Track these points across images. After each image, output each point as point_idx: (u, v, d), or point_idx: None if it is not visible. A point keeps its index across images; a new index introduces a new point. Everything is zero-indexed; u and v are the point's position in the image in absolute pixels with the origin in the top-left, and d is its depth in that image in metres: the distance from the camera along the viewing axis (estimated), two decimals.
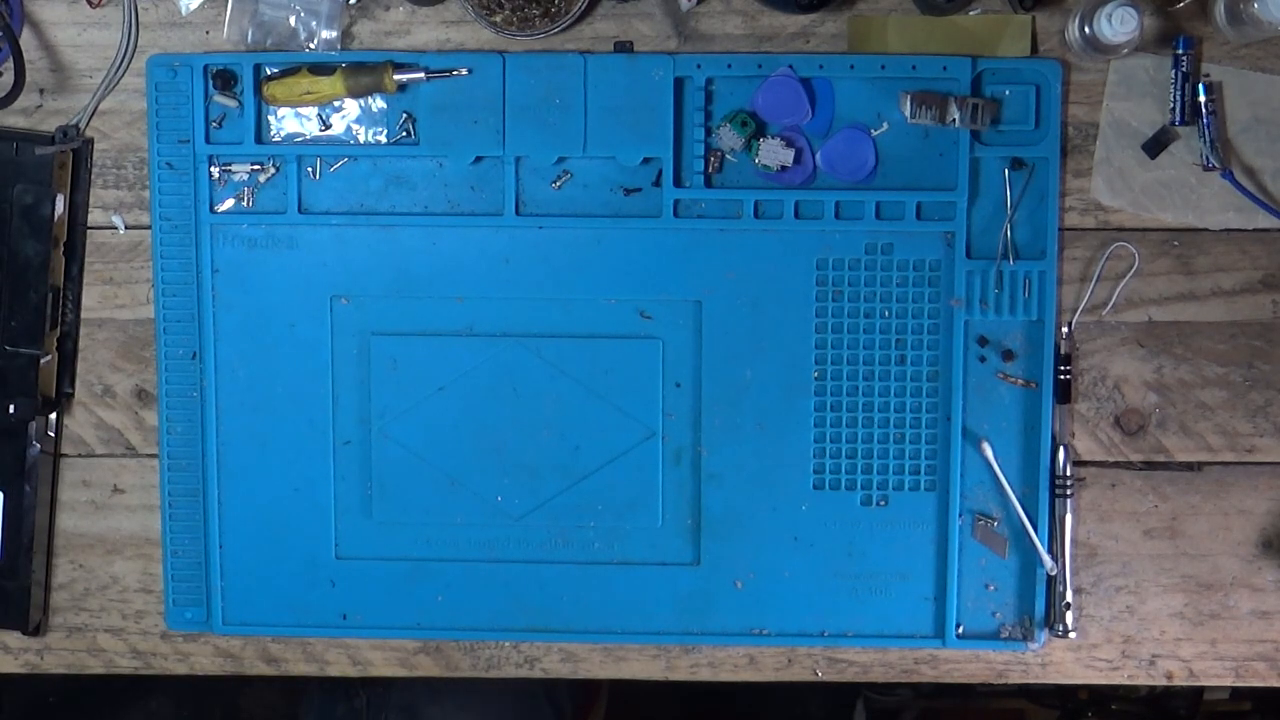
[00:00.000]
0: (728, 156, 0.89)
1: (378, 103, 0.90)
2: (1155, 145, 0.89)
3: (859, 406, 0.90)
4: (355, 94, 0.88)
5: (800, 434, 0.90)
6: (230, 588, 0.92)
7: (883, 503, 0.91)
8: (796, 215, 0.89)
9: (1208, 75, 0.88)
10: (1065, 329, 0.90)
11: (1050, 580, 0.91)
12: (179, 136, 0.90)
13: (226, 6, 0.88)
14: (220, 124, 0.90)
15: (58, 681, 0.99)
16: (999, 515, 0.91)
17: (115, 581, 0.94)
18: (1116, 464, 0.92)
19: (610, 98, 0.88)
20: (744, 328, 0.90)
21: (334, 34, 0.88)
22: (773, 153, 0.88)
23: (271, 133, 0.90)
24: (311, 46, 0.89)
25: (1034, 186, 0.89)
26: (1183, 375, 0.91)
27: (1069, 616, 0.91)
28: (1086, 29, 0.85)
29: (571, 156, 0.89)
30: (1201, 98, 0.87)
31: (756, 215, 0.90)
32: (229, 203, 0.91)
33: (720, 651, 0.94)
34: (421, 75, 0.88)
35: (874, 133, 0.89)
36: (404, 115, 0.90)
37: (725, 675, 0.94)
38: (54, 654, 0.95)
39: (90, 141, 0.91)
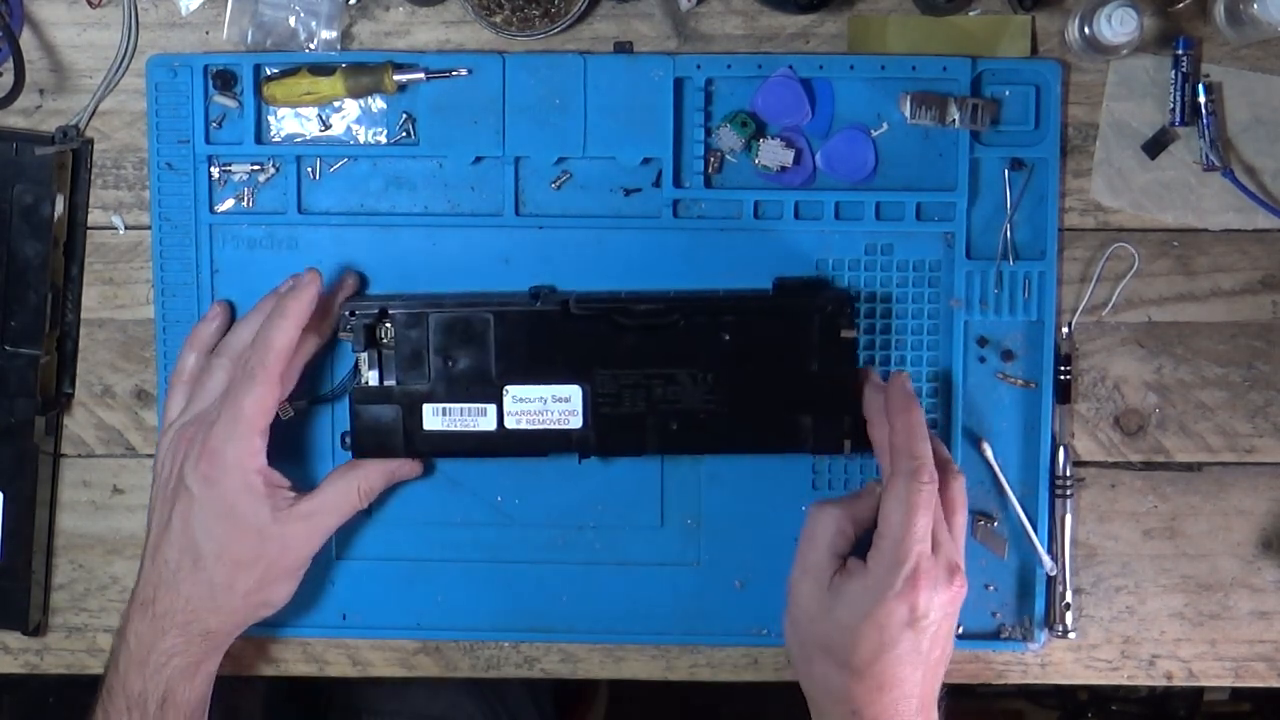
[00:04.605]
0: (728, 157, 0.89)
1: (378, 103, 0.90)
2: (1155, 145, 0.89)
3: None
4: (355, 94, 0.88)
5: None
6: None
7: None
8: (796, 215, 0.89)
9: (1208, 75, 0.88)
10: (1065, 329, 0.91)
11: (1050, 580, 0.91)
12: (179, 137, 0.90)
13: (226, 7, 0.89)
14: (220, 124, 0.90)
15: (58, 682, 0.99)
16: (999, 515, 0.91)
17: (115, 581, 0.94)
18: (1116, 464, 0.92)
19: (610, 98, 0.88)
20: None
21: (334, 34, 0.88)
22: (772, 153, 0.88)
23: (271, 133, 0.90)
24: (311, 47, 0.89)
25: (1034, 187, 0.89)
26: (1183, 375, 0.91)
27: (1069, 617, 0.91)
28: (1086, 29, 0.85)
29: (571, 157, 0.89)
30: (1201, 98, 0.87)
31: (756, 215, 0.90)
32: (229, 203, 0.91)
33: (720, 652, 0.94)
34: (421, 75, 0.88)
35: (874, 133, 0.89)
36: (404, 115, 0.90)
37: (725, 675, 0.94)
38: (54, 654, 0.95)
39: (90, 142, 0.91)
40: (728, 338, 0.85)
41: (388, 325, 0.86)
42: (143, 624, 0.84)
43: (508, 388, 0.86)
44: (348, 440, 0.87)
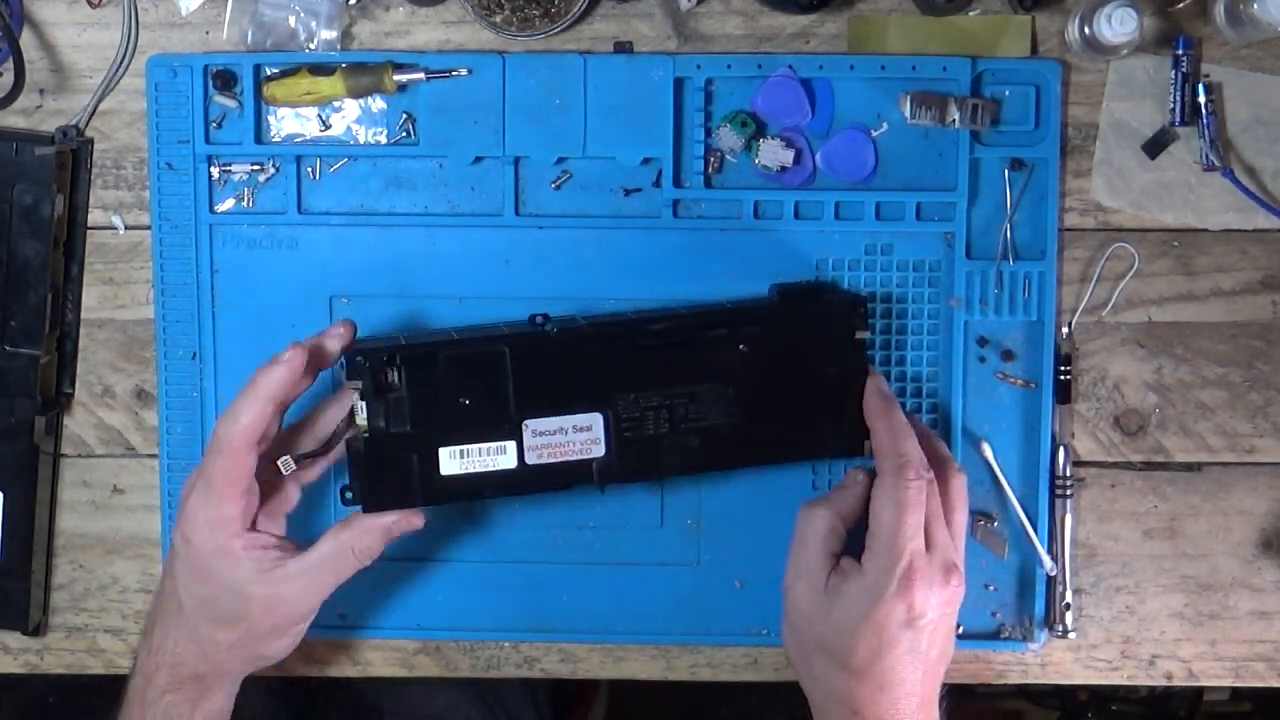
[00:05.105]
0: (728, 157, 0.89)
1: (377, 103, 0.90)
2: (1155, 145, 0.89)
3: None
4: (355, 94, 0.88)
5: None
6: None
7: None
8: (796, 215, 0.89)
9: (1208, 75, 0.88)
10: (1065, 329, 0.91)
11: (1050, 580, 0.91)
12: (179, 137, 0.90)
13: (226, 7, 0.89)
14: (220, 124, 0.90)
15: (57, 681, 0.99)
16: (999, 515, 0.91)
17: (115, 581, 0.94)
18: (1116, 464, 0.92)
19: (610, 98, 0.88)
20: None
21: (334, 34, 0.88)
22: (772, 153, 0.88)
23: (271, 133, 0.90)
24: (311, 47, 0.89)
25: (1034, 187, 0.89)
26: (1183, 376, 0.91)
27: (1069, 617, 0.91)
28: (1086, 29, 0.85)
29: (571, 156, 0.89)
30: (1201, 98, 0.87)
31: (756, 215, 0.90)
32: (229, 203, 0.91)
33: (720, 652, 0.94)
34: (421, 75, 0.88)
35: (874, 133, 0.89)
36: (404, 115, 0.90)
37: (725, 675, 0.94)
38: (54, 654, 0.95)
39: (90, 142, 0.91)
40: (744, 349, 0.84)
41: (396, 369, 0.81)
42: (144, 655, 0.84)
43: (526, 422, 0.83)
44: (347, 495, 0.82)
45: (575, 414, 0.83)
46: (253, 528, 0.83)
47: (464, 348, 0.83)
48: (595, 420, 0.83)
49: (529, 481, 0.83)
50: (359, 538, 0.83)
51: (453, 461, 0.82)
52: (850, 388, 0.85)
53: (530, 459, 0.83)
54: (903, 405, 0.87)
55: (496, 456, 0.83)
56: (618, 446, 0.83)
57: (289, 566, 0.82)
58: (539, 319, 0.85)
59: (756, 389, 0.84)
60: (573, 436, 0.83)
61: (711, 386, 0.84)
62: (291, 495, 0.86)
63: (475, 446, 0.82)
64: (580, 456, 0.83)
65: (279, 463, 0.82)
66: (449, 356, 0.82)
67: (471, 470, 0.82)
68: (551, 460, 0.83)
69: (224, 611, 0.82)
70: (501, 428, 0.82)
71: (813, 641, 0.82)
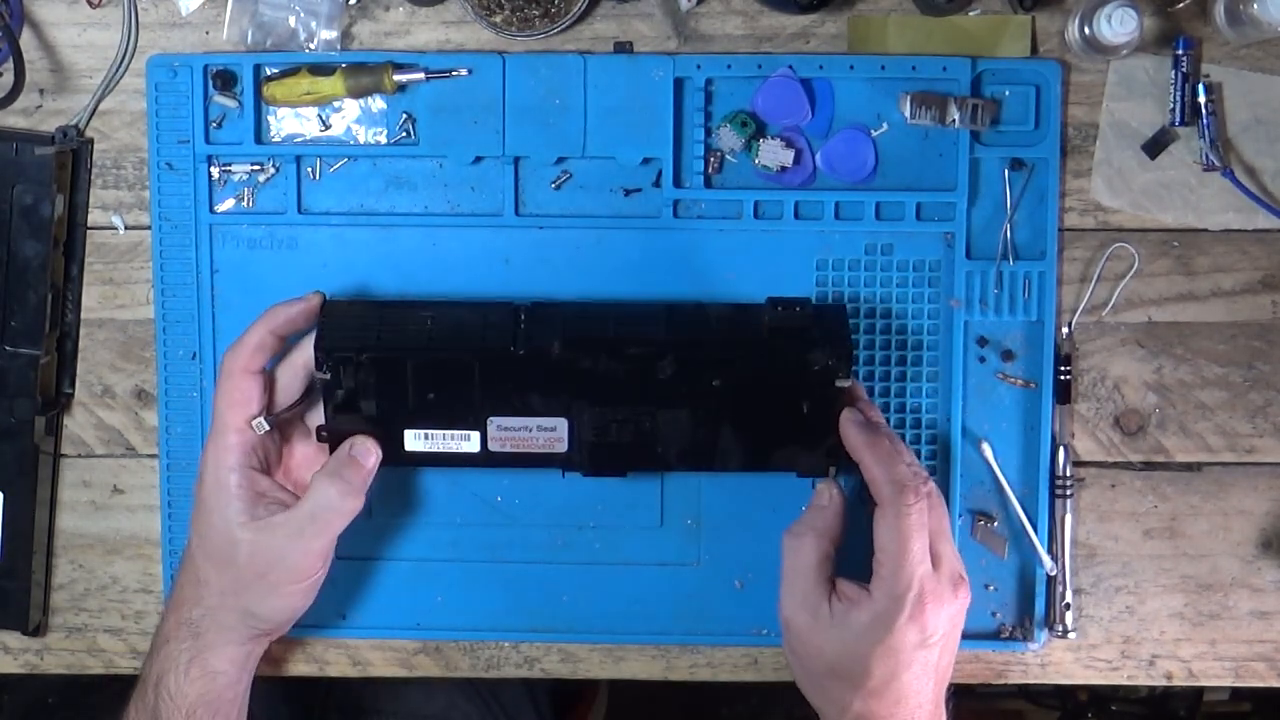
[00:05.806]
0: (728, 157, 0.89)
1: (377, 103, 0.90)
2: (1155, 145, 0.89)
3: None
4: (355, 94, 0.88)
5: None
6: None
7: None
8: (796, 216, 0.90)
9: (1208, 75, 0.88)
10: (1065, 329, 0.91)
11: (1050, 580, 0.91)
12: (179, 137, 0.90)
13: (226, 7, 0.89)
14: (220, 124, 0.90)
15: (58, 681, 0.99)
16: (998, 515, 0.91)
17: (115, 582, 0.94)
18: (1116, 464, 0.92)
19: (610, 98, 0.88)
20: None
21: (334, 34, 0.88)
22: (772, 153, 0.88)
23: (271, 133, 0.90)
24: (311, 47, 0.89)
25: (1034, 187, 0.89)
26: (1182, 376, 0.91)
27: (1069, 617, 0.91)
28: (1086, 29, 0.85)
29: (571, 157, 0.89)
30: (1201, 98, 0.87)
31: (756, 215, 0.90)
32: (229, 203, 0.91)
33: (720, 652, 0.94)
34: (421, 75, 0.88)
35: (874, 133, 0.89)
36: (404, 115, 0.90)
37: (725, 675, 0.94)
38: (54, 654, 0.95)
39: (90, 142, 0.91)
40: (717, 384, 0.83)
41: (364, 367, 0.83)
42: (164, 609, 0.86)
43: (491, 418, 0.84)
44: (322, 434, 0.85)
45: (540, 416, 0.84)
46: (266, 474, 0.85)
47: (433, 353, 0.83)
48: (560, 424, 0.85)
49: (491, 462, 0.85)
50: (335, 474, 0.83)
51: (417, 441, 0.85)
52: (825, 424, 0.84)
53: (493, 447, 0.85)
54: (883, 409, 0.87)
55: (461, 442, 0.85)
56: (581, 447, 0.85)
57: (276, 518, 0.83)
58: (522, 315, 0.85)
59: (728, 415, 0.85)
60: (537, 434, 0.85)
61: (682, 409, 0.84)
62: (303, 454, 0.87)
63: (440, 432, 0.85)
64: (544, 450, 0.85)
65: (252, 424, 0.84)
66: (416, 364, 0.83)
67: (435, 450, 0.85)
68: (514, 450, 0.85)
69: (214, 548, 0.83)
70: (467, 420, 0.84)
71: (823, 667, 0.82)
